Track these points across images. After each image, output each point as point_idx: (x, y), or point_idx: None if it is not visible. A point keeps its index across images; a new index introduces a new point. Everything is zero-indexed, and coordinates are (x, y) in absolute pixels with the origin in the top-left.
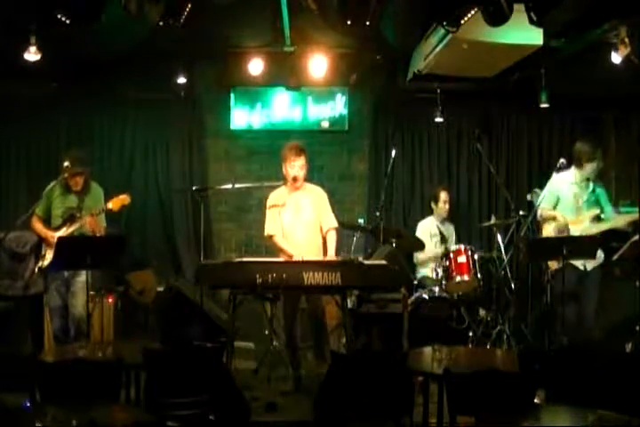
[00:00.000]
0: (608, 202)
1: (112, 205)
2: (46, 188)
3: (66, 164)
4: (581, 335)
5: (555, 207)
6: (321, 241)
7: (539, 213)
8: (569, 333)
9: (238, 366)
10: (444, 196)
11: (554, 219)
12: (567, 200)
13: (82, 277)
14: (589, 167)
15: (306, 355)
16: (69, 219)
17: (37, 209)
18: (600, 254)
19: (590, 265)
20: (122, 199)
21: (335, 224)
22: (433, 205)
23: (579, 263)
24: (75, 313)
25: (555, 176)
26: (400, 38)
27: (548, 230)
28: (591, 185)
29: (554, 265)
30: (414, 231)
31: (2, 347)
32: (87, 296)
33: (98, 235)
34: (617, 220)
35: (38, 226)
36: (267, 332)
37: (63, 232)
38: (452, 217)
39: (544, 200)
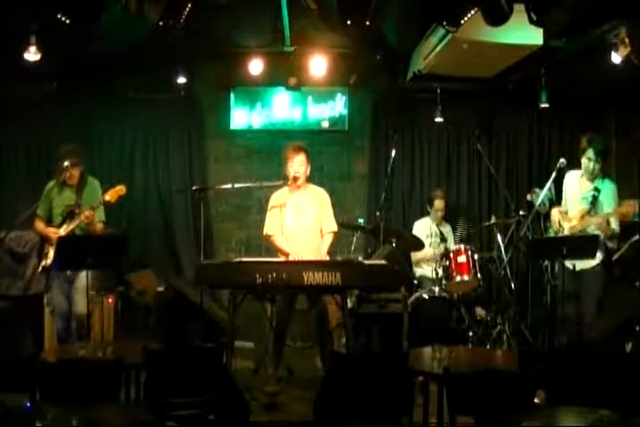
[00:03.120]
0: (612, 200)
1: (109, 197)
2: (45, 188)
3: (66, 164)
4: (581, 335)
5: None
6: (321, 242)
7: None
8: (569, 333)
9: (238, 366)
10: (437, 203)
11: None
12: (570, 197)
13: (83, 274)
14: (583, 164)
15: (306, 355)
16: (69, 216)
17: (38, 209)
18: (598, 255)
19: (580, 265)
20: (118, 190)
21: (335, 228)
22: (428, 208)
23: (568, 263)
24: (76, 311)
25: (567, 173)
26: (400, 38)
27: (554, 215)
28: (595, 183)
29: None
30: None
31: (2, 347)
32: (87, 295)
33: (94, 229)
34: (595, 218)
35: (40, 226)
36: (267, 332)
37: (64, 229)
38: (448, 218)
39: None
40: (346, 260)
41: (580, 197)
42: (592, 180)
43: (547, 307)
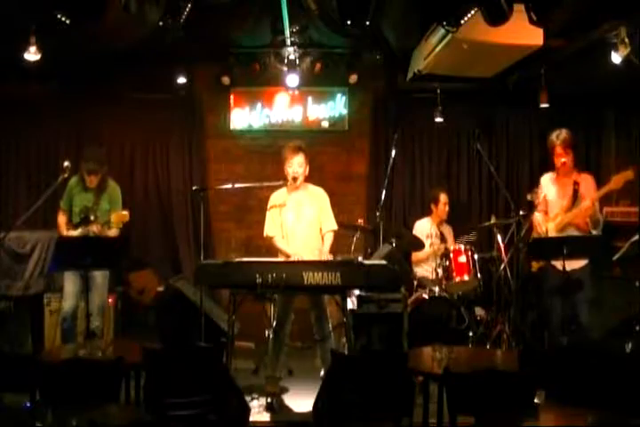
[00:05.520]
0: (592, 192)
1: (114, 218)
2: (69, 182)
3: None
4: (576, 336)
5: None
6: (321, 242)
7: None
8: (564, 333)
9: (238, 366)
10: (443, 198)
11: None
12: (552, 199)
13: (98, 272)
14: (555, 161)
15: (306, 355)
16: (84, 220)
17: (61, 203)
18: None
19: (571, 266)
20: (122, 216)
21: (335, 227)
22: (432, 207)
23: (558, 264)
24: (91, 308)
25: (541, 179)
26: (400, 38)
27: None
28: (573, 177)
29: (535, 265)
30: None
31: (2, 347)
32: (105, 294)
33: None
34: (578, 208)
35: (62, 220)
36: (266, 332)
37: (79, 232)
38: (450, 218)
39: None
40: (346, 260)
41: (561, 195)
42: (569, 175)
43: (543, 308)
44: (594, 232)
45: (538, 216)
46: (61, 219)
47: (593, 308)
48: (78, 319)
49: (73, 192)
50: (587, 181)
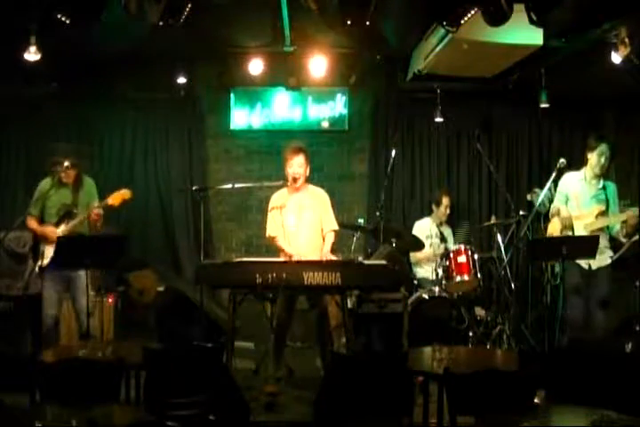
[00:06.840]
0: (615, 199)
1: (112, 200)
2: (39, 186)
3: (66, 164)
4: (583, 335)
5: (566, 205)
6: (322, 242)
7: (551, 210)
8: (571, 332)
9: (238, 366)
10: (445, 200)
11: (558, 213)
12: (574, 197)
13: (82, 272)
14: (592, 160)
15: (306, 355)
16: (67, 215)
17: (31, 209)
18: (609, 254)
19: (595, 265)
20: (122, 194)
21: (336, 227)
22: (434, 208)
23: (582, 262)
24: (78, 310)
25: (565, 175)
26: (400, 38)
27: (554, 225)
28: (601, 182)
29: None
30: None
31: (2, 347)
32: (87, 295)
33: (99, 228)
34: (619, 215)
35: (34, 225)
36: (267, 332)
37: (62, 229)
38: (450, 218)
39: (555, 199)
40: (346, 260)
41: (589, 197)
42: (599, 178)
43: (547, 307)
44: (623, 240)
45: (564, 210)
46: (33, 224)
47: (605, 308)
48: (68, 321)
49: (46, 195)
50: (613, 189)
